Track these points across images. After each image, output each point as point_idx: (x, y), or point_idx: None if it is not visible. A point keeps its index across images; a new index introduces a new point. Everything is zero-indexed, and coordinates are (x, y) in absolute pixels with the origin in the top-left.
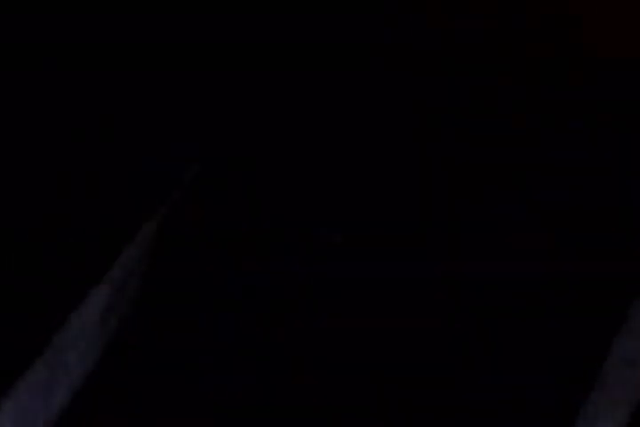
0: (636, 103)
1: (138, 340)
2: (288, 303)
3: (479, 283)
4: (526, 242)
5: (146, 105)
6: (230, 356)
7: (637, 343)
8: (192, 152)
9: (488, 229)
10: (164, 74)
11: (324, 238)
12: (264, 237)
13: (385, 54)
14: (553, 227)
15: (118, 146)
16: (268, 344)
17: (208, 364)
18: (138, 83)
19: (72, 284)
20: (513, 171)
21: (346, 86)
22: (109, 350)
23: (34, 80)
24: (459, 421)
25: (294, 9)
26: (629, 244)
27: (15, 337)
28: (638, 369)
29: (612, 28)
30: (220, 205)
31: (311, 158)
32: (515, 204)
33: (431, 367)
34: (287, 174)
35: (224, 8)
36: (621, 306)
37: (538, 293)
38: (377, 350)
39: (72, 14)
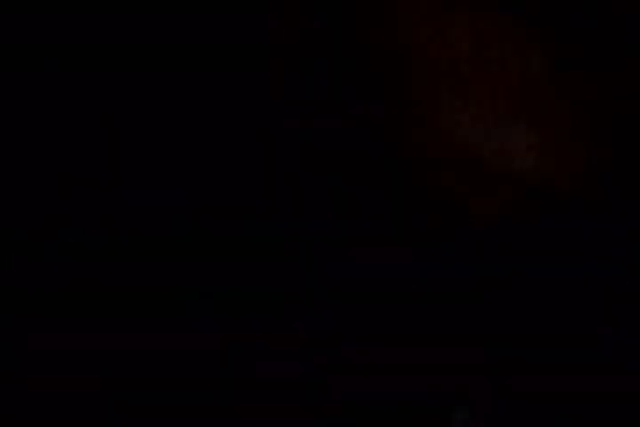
0: None
1: (137, 339)
2: (286, 303)
3: (482, 282)
4: None
5: (146, 105)
6: (228, 355)
7: None
8: (190, 152)
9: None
10: (162, 74)
11: (323, 239)
12: (257, 236)
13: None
14: None
15: (118, 146)
16: (266, 344)
17: (206, 363)
18: (137, 83)
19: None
20: None
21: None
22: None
23: (34, 80)
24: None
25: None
26: None
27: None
28: None
29: None
30: (216, 204)
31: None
32: None
33: (434, 370)
34: (281, 175)
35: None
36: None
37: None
38: (378, 351)
39: (72, 14)
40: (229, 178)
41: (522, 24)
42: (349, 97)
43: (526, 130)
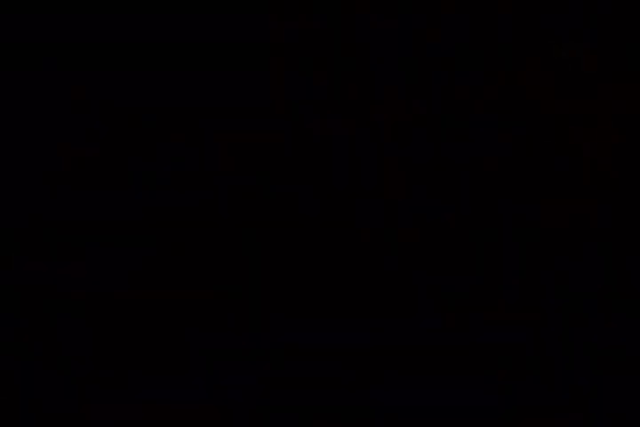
0: None
1: (139, 338)
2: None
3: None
4: None
5: (145, 104)
6: (225, 355)
7: None
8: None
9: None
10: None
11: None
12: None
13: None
14: None
15: (116, 145)
16: (261, 345)
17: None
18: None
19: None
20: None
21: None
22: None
23: (34, 80)
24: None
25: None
26: None
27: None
28: None
29: None
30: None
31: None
32: None
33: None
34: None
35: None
36: None
37: None
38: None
39: (72, 14)
40: (226, 178)
41: None
42: (349, 97)
43: None
